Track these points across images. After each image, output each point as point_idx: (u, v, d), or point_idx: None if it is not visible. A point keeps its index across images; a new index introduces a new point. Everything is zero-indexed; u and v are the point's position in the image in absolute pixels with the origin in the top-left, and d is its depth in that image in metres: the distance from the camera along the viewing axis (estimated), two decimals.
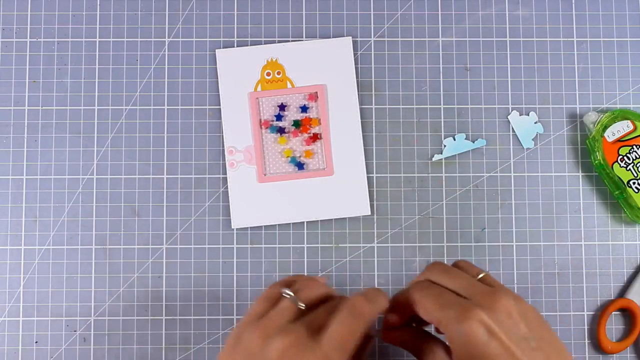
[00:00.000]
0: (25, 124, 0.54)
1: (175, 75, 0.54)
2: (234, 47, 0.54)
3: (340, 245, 0.54)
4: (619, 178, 0.52)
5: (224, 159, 0.54)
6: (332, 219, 0.54)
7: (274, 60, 0.54)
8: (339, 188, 0.53)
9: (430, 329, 0.46)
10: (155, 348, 0.53)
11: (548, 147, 0.55)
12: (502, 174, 0.54)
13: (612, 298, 0.54)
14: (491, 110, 0.55)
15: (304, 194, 0.53)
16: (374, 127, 0.54)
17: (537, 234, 0.54)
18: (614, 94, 0.55)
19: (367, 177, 0.54)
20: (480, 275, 0.42)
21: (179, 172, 0.54)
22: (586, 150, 0.54)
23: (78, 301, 0.53)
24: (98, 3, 0.55)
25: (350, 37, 0.54)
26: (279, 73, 0.54)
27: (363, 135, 0.54)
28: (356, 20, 0.55)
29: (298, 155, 0.54)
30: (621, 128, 0.52)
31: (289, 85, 0.54)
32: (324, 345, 0.37)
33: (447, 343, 0.40)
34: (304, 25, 0.55)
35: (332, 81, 0.54)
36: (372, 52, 0.55)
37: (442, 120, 0.54)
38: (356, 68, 0.54)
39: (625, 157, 0.52)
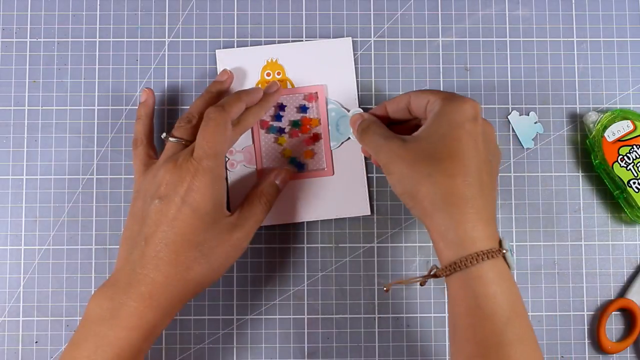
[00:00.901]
0: (25, 124, 0.54)
1: (175, 75, 0.55)
2: (234, 47, 0.54)
3: (340, 245, 0.54)
4: (619, 178, 0.52)
5: None
6: (332, 219, 0.54)
7: (274, 60, 0.54)
8: (339, 188, 0.53)
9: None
10: (155, 348, 0.53)
11: (548, 147, 0.55)
12: (502, 174, 0.54)
13: (612, 298, 0.54)
14: (491, 110, 0.55)
15: (304, 194, 0.53)
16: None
17: (537, 234, 0.54)
18: (614, 94, 0.55)
19: (367, 177, 0.54)
20: None
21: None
22: (586, 150, 0.54)
23: (78, 301, 0.53)
24: (98, 3, 0.55)
25: (350, 38, 0.54)
26: (279, 73, 0.54)
27: None
28: (356, 20, 0.55)
29: (298, 155, 0.54)
30: (621, 128, 0.52)
31: (288, 86, 0.54)
32: (195, 157, 0.44)
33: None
34: (304, 25, 0.55)
35: (332, 81, 0.54)
36: (372, 52, 0.55)
37: None
38: (356, 68, 0.54)
39: (625, 157, 0.52)
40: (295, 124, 0.54)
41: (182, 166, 0.44)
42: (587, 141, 0.53)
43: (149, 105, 0.51)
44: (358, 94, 0.54)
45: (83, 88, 0.54)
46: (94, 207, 0.54)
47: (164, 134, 0.49)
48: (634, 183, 0.52)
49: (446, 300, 0.53)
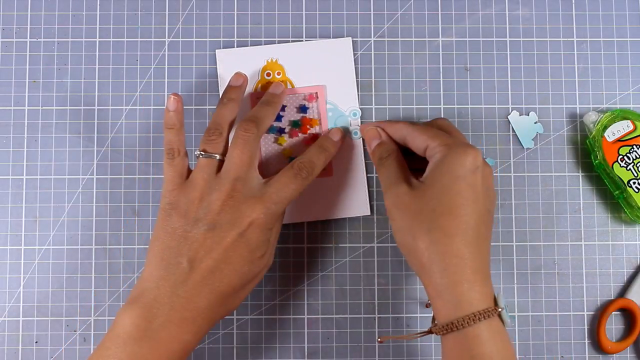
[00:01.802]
0: (25, 124, 0.54)
1: (175, 75, 0.54)
2: (234, 47, 0.54)
3: (340, 245, 0.54)
4: (619, 178, 0.52)
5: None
6: (332, 219, 0.54)
7: (274, 60, 0.54)
8: (339, 188, 0.53)
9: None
10: None
11: (548, 147, 0.55)
12: (502, 174, 0.54)
13: (612, 298, 0.54)
14: (491, 110, 0.55)
15: (303, 194, 0.53)
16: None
17: (537, 234, 0.54)
18: (614, 94, 0.55)
19: (367, 177, 0.54)
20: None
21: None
22: (586, 150, 0.54)
23: (78, 301, 0.53)
24: (98, 3, 0.55)
25: (350, 38, 0.54)
26: (279, 73, 0.54)
27: None
28: (356, 20, 0.55)
29: (298, 155, 0.53)
30: (621, 128, 0.52)
31: (288, 86, 0.54)
32: (265, 199, 0.45)
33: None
34: (304, 26, 0.55)
35: (332, 81, 0.54)
36: (372, 52, 0.55)
37: None
38: (356, 68, 0.54)
39: (625, 157, 0.52)
40: (295, 124, 0.54)
41: (244, 201, 0.44)
42: (587, 141, 0.53)
43: (181, 112, 0.48)
44: (358, 94, 0.54)
45: (83, 88, 0.54)
46: (94, 207, 0.54)
47: (198, 151, 0.47)
48: (634, 183, 0.52)
49: None
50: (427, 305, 0.49)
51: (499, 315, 0.42)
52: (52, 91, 0.54)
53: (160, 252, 0.44)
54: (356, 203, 0.53)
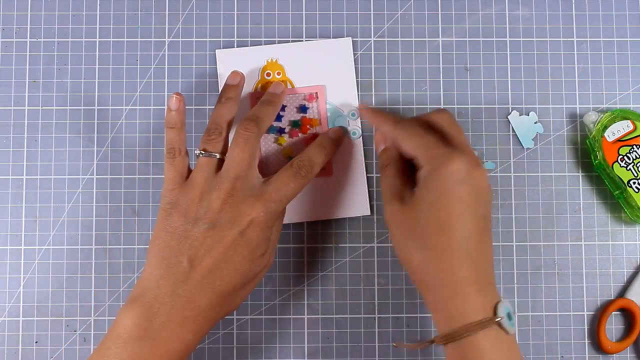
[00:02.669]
0: (25, 124, 0.54)
1: (175, 75, 0.54)
2: (234, 47, 0.54)
3: (340, 245, 0.54)
4: (619, 178, 0.52)
5: None
6: (332, 219, 0.54)
7: (274, 60, 0.54)
8: (338, 188, 0.53)
9: None
10: None
11: (548, 147, 0.55)
12: (502, 174, 0.54)
13: (612, 298, 0.54)
14: (491, 110, 0.55)
15: (304, 194, 0.53)
16: (374, 127, 0.54)
17: (537, 234, 0.54)
18: (614, 94, 0.55)
19: (367, 177, 0.54)
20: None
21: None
22: (586, 150, 0.54)
23: (78, 301, 0.53)
24: (98, 3, 0.55)
25: (350, 38, 0.54)
26: (279, 73, 0.54)
27: (363, 135, 0.54)
28: (356, 20, 0.55)
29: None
30: (621, 128, 0.52)
31: (288, 86, 0.54)
32: (266, 198, 0.44)
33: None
34: (304, 26, 0.55)
35: (332, 81, 0.54)
36: (372, 52, 0.55)
37: None
38: (356, 68, 0.54)
39: (625, 157, 0.52)
40: (295, 124, 0.54)
41: (244, 200, 0.44)
42: (587, 141, 0.53)
43: (183, 112, 0.48)
44: (358, 94, 0.54)
45: (83, 88, 0.54)
46: (94, 207, 0.54)
47: (197, 150, 0.47)
48: (634, 183, 0.52)
49: None
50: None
51: (499, 325, 0.41)
52: (52, 91, 0.54)
53: (161, 252, 0.44)
54: (356, 203, 0.53)
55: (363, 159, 0.54)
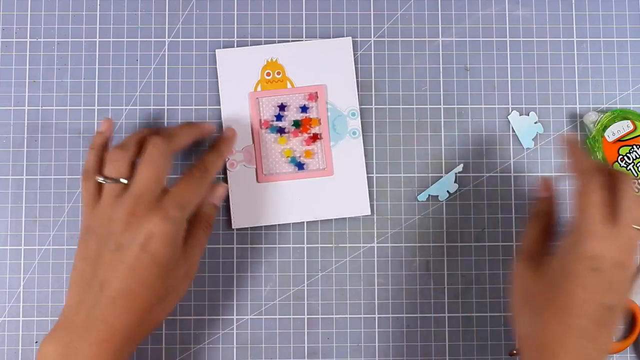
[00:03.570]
0: (25, 124, 0.54)
1: (175, 75, 0.54)
2: (234, 47, 0.54)
3: (340, 245, 0.54)
4: None
5: None
6: (332, 219, 0.54)
7: (273, 60, 0.54)
8: (339, 188, 0.53)
9: None
10: (155, 348, 0.53)
11: (548, 147, 0.55)
12: (502, 174, 0.54)
13: None
14: (491, 110, 0.55)
15: (304, 194, 0.53)
16: (374, 127, 0.54)
17: None
18: (614, 94, 0.55)
19: (367, 177, 0.54)
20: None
21: (179, 172, 0.54)
22: (586, 150, 0.54)
23: None
24: (98, 3, 0.55)
25: (350, 38, 0.54)
26: (278, 73, 0.54)
27: (363, 135, 0.54)
28: (356, 20, 0.55)
29: (298, 155, 0.54)
30: (621, 128, 0.52)
31: (288, 86, 0.54)
32: (164, 206, 0.44)
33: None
34: (304, 25, 0.55)
35: (332, 81, 0.54)
36: (372, 52, 0.55)
37: (442, 120, 0.55)
38: (356, 68, 0.54)
39: (625, 157, 0.52)
40: (295, 123, 0.54)
41: (144, 214, 0.43)
42: (587, 141, 0.53)
43: (107, 135, 0.48)
44: (358, 94, 0.54)
45: (83, 88, 0.54)
46: None
47: (101, 177, 0.46)
48: (634, 183, 0.52)
49: (446, 300, 0.53)
50: (512, 354, 0.51)
51: None
52: (52, 91, 0.54)
53: (79, 278, 0.45)
54: (356, 203, 0.53)
55: (363, 159, 0.54)
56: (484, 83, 0.55)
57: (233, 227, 0.53)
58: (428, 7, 0.55)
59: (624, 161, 0.52)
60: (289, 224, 0.53)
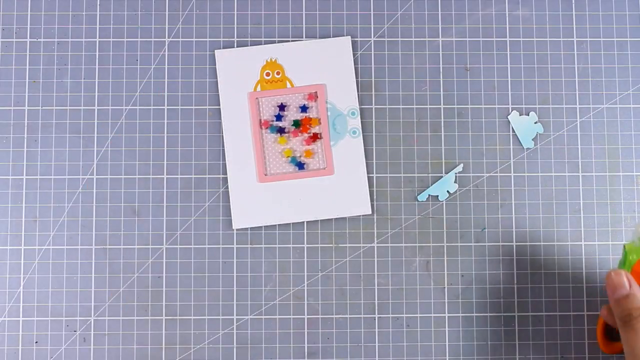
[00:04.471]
0: (25, 124, 0.54)
1: (175, 75, 0.55)
2: (233, 47, 0.55)
3: (340, 245, 0.54)
4: None
5: (224, 159, 0.54)
6: (332, 219, 0.54)
7: (273, 60, 0.54)
8: (339, 188, 0.53)
9: None
10: (155, 348, 0.53)
11: (548, 147, 0.55)
12: (502, 174, 0.54)
13: None
14: (491, 110, 0.55)
15: (304, 194, 0.53)
16: (374, 127, 0.54)
17: (537, 234, 0.54)
18: (614, 94, 0.55)
19: (367, 177, 0.54)
20: None
21: (179, 172, 0.54)
22: (586, 150, 0.54)
23: (78, 301, 0.53)
24: (98, 3, 0.55)
25: (350, 37, 0.54)
26: (278, 73, 0.54)
27: (363, 135, 0.54)
28: (356, 20, 0.55)
29: (298, 155, 0.54)
30: None
31: (288, 85, 0.54)
32: None
33: None
34: (304, 25, 0.55)
35: (331, 80, 0.54)
36: (372, 52, 0.55)
37: (442, 120, 0.55)
38: (356, 68, 0.55)
39: None
40: (295, 123, 0.54)
41: None
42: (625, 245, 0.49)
43: None
44: (358, 94, 0.54)
45: (83, 88, 0.54)
46: (94, 207, 0.54)
47: None
48: None
49: (446, 300, 0.53)
50: None
51: None
52: (52, 91, 0.54)
53: None
54: (357, 202, 0.53)
55: (363, 158, 0.54)
56: (484, 83, 0.55)
57: (234, 228, 0.53)
58: (428, 7, 0.55)
59: None
60: (289, 224, 0.53)
